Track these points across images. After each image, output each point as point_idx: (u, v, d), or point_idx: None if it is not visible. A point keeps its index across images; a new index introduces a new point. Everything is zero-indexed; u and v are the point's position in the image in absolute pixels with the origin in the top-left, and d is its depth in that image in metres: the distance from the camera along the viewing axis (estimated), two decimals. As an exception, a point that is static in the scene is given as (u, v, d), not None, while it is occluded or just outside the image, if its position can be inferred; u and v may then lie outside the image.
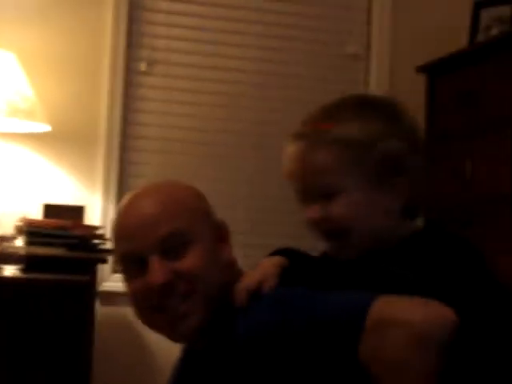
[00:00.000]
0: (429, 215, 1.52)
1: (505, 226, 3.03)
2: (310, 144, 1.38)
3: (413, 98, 3.68)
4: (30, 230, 2.88)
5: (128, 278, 1.43)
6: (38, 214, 3.15)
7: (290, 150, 1.41)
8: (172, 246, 1.38)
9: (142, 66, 3.46)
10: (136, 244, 1.39)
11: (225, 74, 3.55)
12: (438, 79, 3.43)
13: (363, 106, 1.43)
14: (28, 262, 2.82)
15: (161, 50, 3.49)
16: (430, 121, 3.44)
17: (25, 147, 3.26)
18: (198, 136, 3.52)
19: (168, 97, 3.50)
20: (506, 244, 3.02)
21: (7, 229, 3.06)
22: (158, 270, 1.36)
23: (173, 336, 1.43)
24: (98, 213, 3.31)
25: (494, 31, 3.29)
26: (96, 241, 3.01)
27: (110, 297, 3.24)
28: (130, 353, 3.36)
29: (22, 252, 2.82)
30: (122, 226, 1.42)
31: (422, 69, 3.47)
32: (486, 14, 3.40)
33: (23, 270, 2.81)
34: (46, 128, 3.10)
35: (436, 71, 3.44)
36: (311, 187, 1.38)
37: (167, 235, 1.38)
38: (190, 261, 1.38)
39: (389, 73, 3.69)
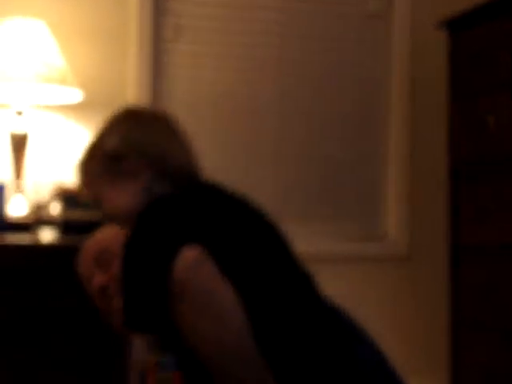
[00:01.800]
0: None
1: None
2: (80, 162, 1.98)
3: (435, 55, 3.74)
4: (65, 197, 2.98)
5: None
6: (73, 181, 3.24)
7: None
8: None
9: (170, 33, 3.52)
10: None
11: (251, 39, 3.62)
12: (459, 35, 3.45)
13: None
14: (64, 226, 2.92)
15: (187, 17, 3.55)
16: (453, 77, 3.48)
17: (57, 115, 3.34)
18: (226, 101, 3.59)
19: (195, 63, 3.56)
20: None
21: (45, 196, 3.17)
22: None
23: None
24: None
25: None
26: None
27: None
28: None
29: (58, 217, 2.92)
30: None
31: (443, 24, 3.50)
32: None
33: (60, 235, 2.90)
34: (78, 96, 3.17)
35: (458, 27, 3.46)
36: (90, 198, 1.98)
37: None
38: None
39: (410, 31, 3.73)
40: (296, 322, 1.68)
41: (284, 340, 1.66)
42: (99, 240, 1.90)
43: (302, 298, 1.72)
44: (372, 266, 3.72)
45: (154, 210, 1.75)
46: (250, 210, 1.81)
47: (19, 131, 3.08)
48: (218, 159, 3.59)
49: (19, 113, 3.09)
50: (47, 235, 2.90)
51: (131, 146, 1.90)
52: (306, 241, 3.66)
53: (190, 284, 1.60)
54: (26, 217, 3.00)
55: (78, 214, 2.99)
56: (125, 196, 1.91)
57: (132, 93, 3.42)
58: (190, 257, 1.62)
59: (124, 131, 1.92)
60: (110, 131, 1.94)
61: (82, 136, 3.37)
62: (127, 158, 1.89)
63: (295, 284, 1.74)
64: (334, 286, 3.68)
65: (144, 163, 1.89)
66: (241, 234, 1.74)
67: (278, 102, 3.64)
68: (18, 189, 3.07)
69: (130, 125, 1.94)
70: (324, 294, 1.83)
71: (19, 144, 3.07)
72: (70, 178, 3.29)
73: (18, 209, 3.05)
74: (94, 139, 1.96)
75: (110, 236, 1.89)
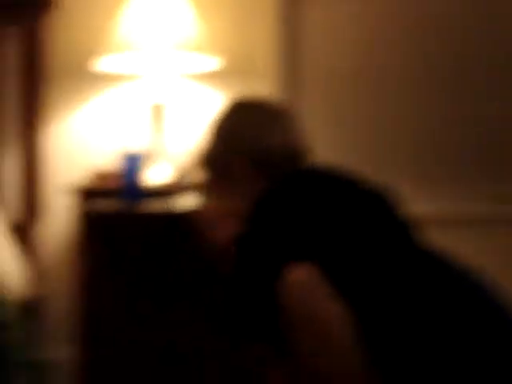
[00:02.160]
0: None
1: None
2: None
3: None
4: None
5: None
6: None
7: None
8: None
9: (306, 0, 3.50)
10: None
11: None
12: None
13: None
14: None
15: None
16: None
17: (195, 83, 3.39)
18: (363, 67, 3.54)
19: (334, 27, 3.52)
20: None
21: (186, 163, 3.23)
22: None
23: None
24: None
25: None
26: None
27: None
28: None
29: (200, 183, 2.96)
30: None
31: None
32: None
33: (200, 201, 2.95)
34: (216, 62, 3.20)
35: None
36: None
37: None
38: None
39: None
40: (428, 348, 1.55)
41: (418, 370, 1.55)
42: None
43: (437, 322, 1.58)
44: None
45: (260, 217, 1.72)
46: (372, 205, 1.72)
47: (158, 99, 3.15)
48: (360, 131, 3.55)
49: (157, 82, 3.15)
50: (188, 202, 2.96)
51: (236, 148, 1.91)
52: (455, 203, 3.58)
53: (294, 307, 1.56)
54: (166, 184, 3.07)
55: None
56: (232, 198, 1.92)
57: (268, 60, 3.42)
58: (295, 277, 1.57)
59: (230, 131, 1.93)
60: (219, 132, 1.96)
61: (219, 104, 3.41)
62: (232, 162, 1.91)
63: (428, 302, 1.60)
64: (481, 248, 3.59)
65: (248, 163, 1.89)
66: (357, 239, 1.65)
67: (418, 68, 3.55)
68: (159, 157, 3.15)
69: (236, 121, 1.94)
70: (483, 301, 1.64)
71: (158, 113, 3.14)
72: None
73: (158, 177, 3.12)
74: (205, 139, 1.97)
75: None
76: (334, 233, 1.65)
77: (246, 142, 1.91)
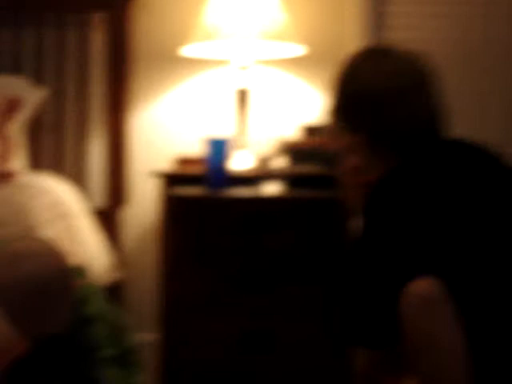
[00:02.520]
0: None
1: None
2: None
3: None
4: (291, 150, 3.00)
5: None
6: (297, 135, 3.27)
7: None
8: None
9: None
10: None
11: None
12: None
13: None
14: (290, 180, 2.94)
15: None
16: None
17: (281, 70, 3.37)
18: (454, 49, 3.46)
19: (420, 10, 3.45)
20: None
21: (269, 150, 3.22)
22: None
23: None
24: (354, 131, 3.37)
25: None
26: (353, 158, 3.08)
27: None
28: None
29: (284, 171, 2.94)
30: None
31: None
32: None
33: (286, 188, 2.93)
34: (301, 50, 3.18)
35: None
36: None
37: None
38: None
39: None
40: None
41: None
42: None
43: None
44: None
45: (386, 200, 1.59)
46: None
47: (243, 86, 3.13)
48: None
49: (243, 68, 3.14)
50: (272, 189, 2.94)
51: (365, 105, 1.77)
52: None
53: (412, 324, 1.48)
54: (250, 171, 3.06)
55: (303, 168, 3.01)
56: (373, 164, 1.82)
57: (353, 47, 3.38)
58: (417, 294, 1.48)
59: (362, 83, 1.78)
60: (350, 81, 1.80)
61: (304, 91, 3.38)
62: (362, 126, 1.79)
63: None
64: None
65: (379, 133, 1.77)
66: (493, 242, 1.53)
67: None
68: (242, 143, 3.13)
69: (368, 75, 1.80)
70: None
71: (243, 99, 3.13)
72: (294, 133, 3.31)
73: (242, 163, 3.11)
74: (335, 89, 1.85)
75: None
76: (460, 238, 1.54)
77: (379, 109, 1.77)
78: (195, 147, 3.28)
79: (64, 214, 2.84)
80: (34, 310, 1.61)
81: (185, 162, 3.10)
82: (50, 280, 1.62)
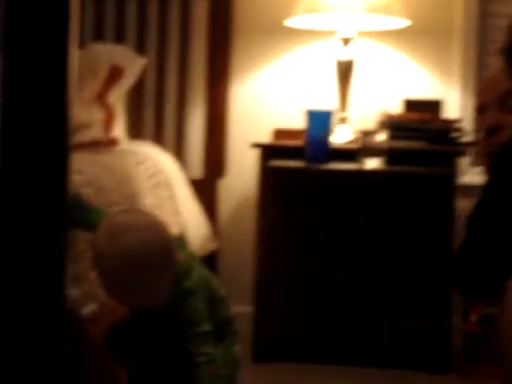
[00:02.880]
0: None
1: None
2: None
3: None
4: (392, 125, 2.96)
5: None
6: (397, 109, 3.22)
7: None
8: None
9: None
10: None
11: None
12: None
13: None
14: (390, 155, 2.90)
15: None
16: None
17: (383, 43, 3.32)
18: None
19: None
20: None
21: (369, 124, 3.17)
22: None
23: None
24: (455, 106, 3.30)
25: None
26: (454, 134, 3.02)
27: (469, 190, 3.24)
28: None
29: (384, 146, 2.91)
30: None
31: None
32: None
33: (385, 163, 2.90)
34: (404, 23, 3.12)
35: None
36: None
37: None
38: None
39: None
40: None
41: None
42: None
43: None
44: None
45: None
46: None
47: (345, 59, 3.10)
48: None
49: (345, 40, 3.10)
50: (372, 164, 2.90)
51: None
52: None
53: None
54: (350, 144, 3.03)
55: (404, 144, 2.97)
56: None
57: (458, 21, 3.30)
58: None
59: None
60: None
61: (406, 64, 3.32)
62: None
63: None
64: None
65: None
66: None
67: None
68: (343, 117, 3.10)
69: None
70: None
71: (345, 71, 3.09)
72: (396, 106, 3.26)
73: (341, 137, 3.08)
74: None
75: None
76: None
77: None
78: (295, 120, 3.26)
79: (164, 183, 2.87)
80: (134, 283, 1.62)
81: (284, 134, 3.09)
82: (151, 254, 1.63)
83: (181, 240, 1.77)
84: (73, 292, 1.60)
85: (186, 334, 1.73)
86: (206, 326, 1.74)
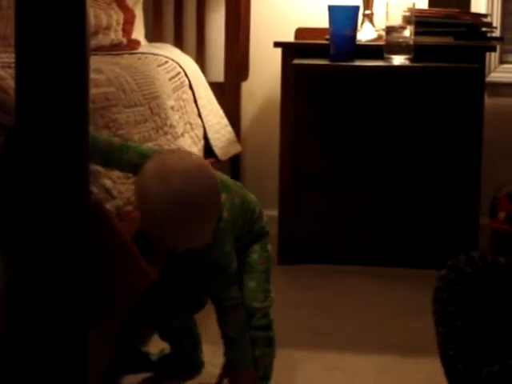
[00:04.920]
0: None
1: None
2: None
3: None
4: (418, 20, 2.87)
5: None
6: (424, 4, 3.12)
7: None
8: None
9: None
10: None
11: None
12: None
13: None
14: (416, 51, 2.83)
15: None
16: None
17: None
18: None
19: None
20: None
21: (395, 19, 3.08)
22: None
23: None
24: (483, 1, 3.20)
25: None
26: (484, 29, 2.93)
27: (497, 87, 3.18)
28: None
29: (410, 42, 2.83)
30: None
31: None
32: None
33: (411, 59, 2.83)
34: None
35: None
36: None
37: None
38: None
39: None
40: None
41: None
42: None
43: None
44: None
45: None
46: None
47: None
48: None
49: None
50: (399, 60, 2.84)
51: None
52: None
53: None
54: (376, 41, 2.96)
55: (431, 40, 2.89)
56: None
57: None
58: None
59: None
60: None
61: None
62: None
63: None
64: None
65: None
66: None
67: None
68: (369, 13, 3.02)
69: None
70: None
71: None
72: (422, 2, 3.16)
73: (368, 34, 3.01)
74: None
75: None
76: None
77: None
78: (318, 18, 3.17)
79: (186, 85, 2.82)
80: (184, 225, 1.62)
81: (307, 33, 3.02)
82: (201, 196, 1.62)
83: (224, 184, 1.78)
84: (96, 188, 1.58)
85: (212, 276, 1.78)
86: (231, 270, 1.79)
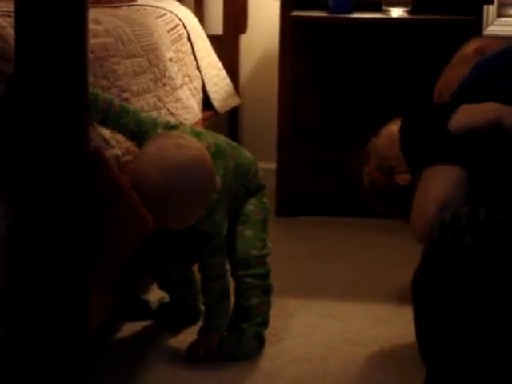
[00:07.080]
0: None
1: None
2: None
3: None
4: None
5: None
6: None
7: None
8: None
9: None
10: None
11: None
12: None
13: None
14: (414, 3, 2.83)
15: None
16: None
17: None
18: None
19: None
20: None
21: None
22: None
23: None
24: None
25: None
26: (482, -19, 2.92)
27: (495, 40, 3.17)
28: None
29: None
30: None
31: None
32: None
33: (410, 12, 2.83)
34: None
35: None
36: None
37: None
38: None
39: None
40: None
41: None
42: None
43: None
44: None
45: None
46: None
47: None
48: None
49: None
50: (397, 13, 2.84)
51: None
52: None
53: None
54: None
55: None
56: None
57: None
58: None
59: None
60: None
61: None
62: None
63: None
64: None
65: None
66: None
67: None
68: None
69: None
70: None
71: None
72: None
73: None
74: None
75: None
76: None
77: None
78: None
79: (185, 37, 2.82)
80: (181, 211, 1.68)
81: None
82: (198, 188, 1.67)
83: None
84: (95, 136, 1.60)
85: (200, 244, 1.83)
86: (219, 238, 1.83)
